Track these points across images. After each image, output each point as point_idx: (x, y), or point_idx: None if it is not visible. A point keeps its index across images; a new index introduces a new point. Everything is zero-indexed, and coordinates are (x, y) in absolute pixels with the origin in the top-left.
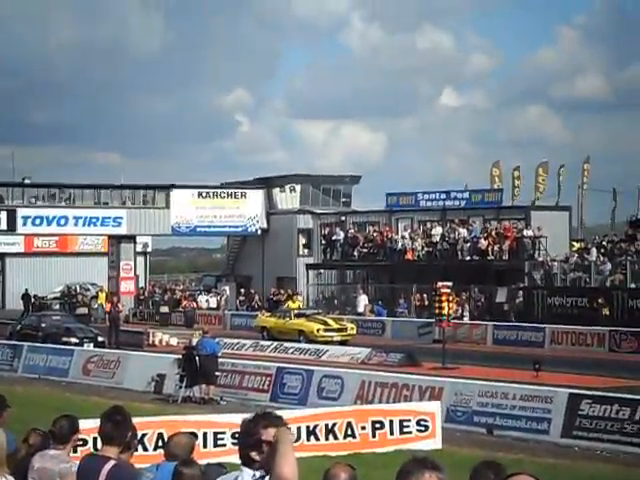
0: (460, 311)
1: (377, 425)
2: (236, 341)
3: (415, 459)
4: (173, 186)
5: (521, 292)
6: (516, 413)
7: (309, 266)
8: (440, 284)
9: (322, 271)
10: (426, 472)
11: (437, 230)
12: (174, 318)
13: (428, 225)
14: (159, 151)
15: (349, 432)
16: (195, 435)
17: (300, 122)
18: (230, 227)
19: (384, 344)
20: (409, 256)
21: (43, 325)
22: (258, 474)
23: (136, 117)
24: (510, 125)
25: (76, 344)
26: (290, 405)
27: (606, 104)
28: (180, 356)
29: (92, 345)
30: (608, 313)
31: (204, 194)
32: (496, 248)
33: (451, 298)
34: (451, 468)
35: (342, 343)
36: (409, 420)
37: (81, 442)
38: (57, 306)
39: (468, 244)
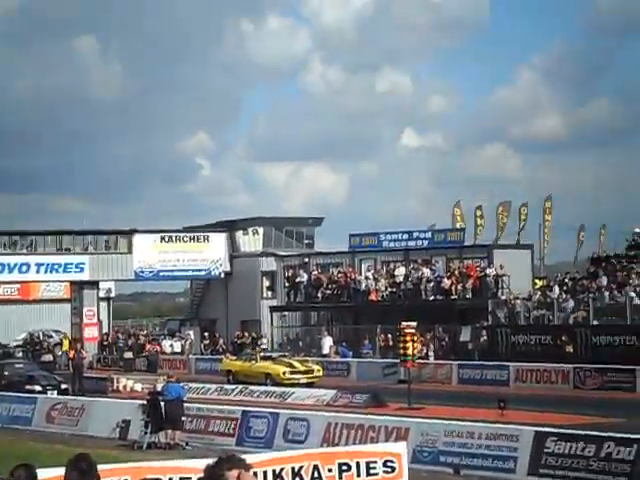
0: (425, 351)
1: (344, 467)
2: (201, 385)
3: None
4: (135, 231)
5: (485, 331)
6: (482, 452)
7: (273, 308)
8: (404, 324)
9: (286, 313)
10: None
11: (400, 270)
12: (138, 364)
13: (391, 265)
14: (121, 196)
15: (316, 475)
16: None
17: (262, 165)
18: (193, 271)
19: (350, 385)
20: (373, 297)
21: (6, 373)
22: None
23: (98, 162)
24: (470, 165)
25: (39, 392)
26: (256, 449)
27: (564, 143)
28: (145, 402)
29: (56, 393)
30: (572, 350)
31: (167, 238)
32: (459, 287)
33: (416, 338)
34: None
35: (309, 385)
36: (375, 462)
37: None
38: (20, 354)
39: (431, 284)
